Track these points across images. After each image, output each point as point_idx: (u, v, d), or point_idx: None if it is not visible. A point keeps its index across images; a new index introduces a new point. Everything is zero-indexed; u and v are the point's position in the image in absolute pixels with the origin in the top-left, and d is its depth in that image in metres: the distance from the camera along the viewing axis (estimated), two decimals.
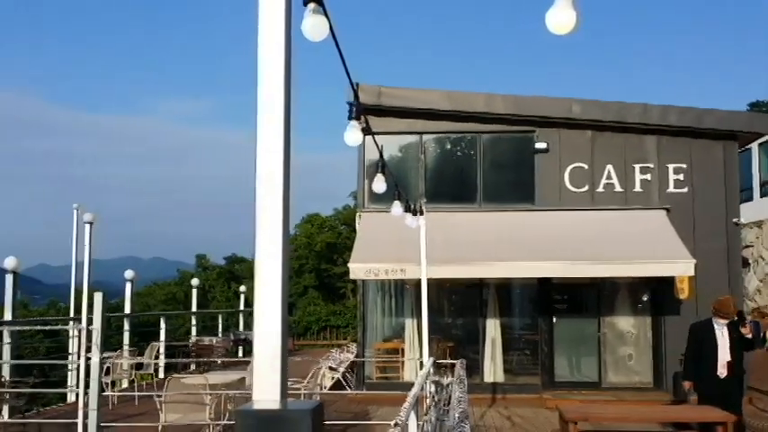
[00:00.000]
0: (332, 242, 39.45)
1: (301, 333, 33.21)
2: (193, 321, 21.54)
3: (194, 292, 21.81)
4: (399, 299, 15.49)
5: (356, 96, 5.95)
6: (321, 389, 12.36)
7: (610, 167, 14.81)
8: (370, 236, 14.31)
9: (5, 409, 9.90)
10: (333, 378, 14.83)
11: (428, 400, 7.82)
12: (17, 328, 12.06)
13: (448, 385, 8.72)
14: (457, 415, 5.27)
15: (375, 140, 8.46)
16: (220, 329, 22.86)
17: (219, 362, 18.03)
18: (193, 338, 19.99)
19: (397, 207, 9.71)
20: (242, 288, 26.32)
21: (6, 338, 11.83)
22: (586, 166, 14.83)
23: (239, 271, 43.48)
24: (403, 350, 14.98)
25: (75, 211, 13.54)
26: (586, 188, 14.80)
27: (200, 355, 17.47)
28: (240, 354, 21.31)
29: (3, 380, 10.46)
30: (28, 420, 9.99)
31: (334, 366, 15.07)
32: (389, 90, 14.75)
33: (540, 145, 14.84)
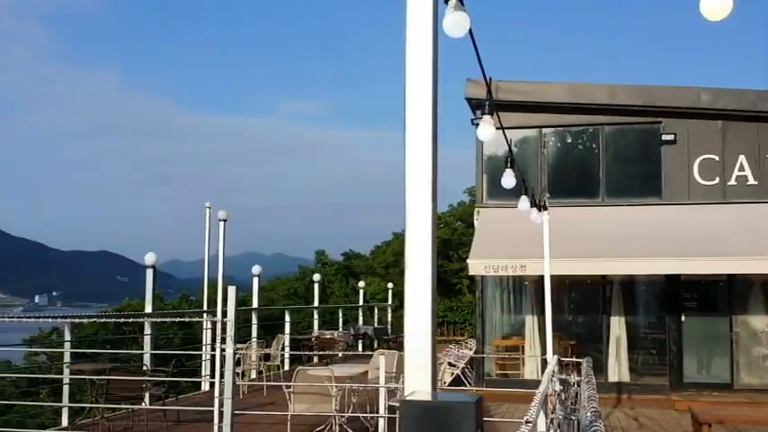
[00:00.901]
0: (447, 238, 39.44)
1: None
2: (315, 315, 22.12)
3: (316, 287, 22.38)
4: (519, 295, 15.32)
5: (489, 92, 5.94)
6: (441, 384, 12.42)
7: (742, 159, 14.05)
8: (489, 232, 14.23)
9: (147, 396, 10.54)
10: (452, 374, 14.87)
11: (553, 399, 7.72)
12: (158, 319, 12.83)
13: (574, 384, 8.57)
14: (589, 414, 5.18)
15: (505, 135, 8.41)
16: (341, 324, 23.36)
17: (341, 355, 18.44)
18: (316, 332, 20.53)
19: (524, 202, 9.60)
20: (361, 284, 26.77)
21: (147, 330, 12.62)
22: (717, 158, 14.13)
23: (356, 267, 44.23)
24: (523, 347, 14.81)
25: (207, 210, 14.22)
26: (717, 181, 14.11)
27: (322, 348, 17.93)
28: (360, 348, 21.71)
29: (145, 368, 11.16)
30: (168, 407, 10.61)
31: (453, 362, 15.10)
32: (507, 84, 14.60)
33: (668, 136, 14.26)
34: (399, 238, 43.17)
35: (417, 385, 2.36)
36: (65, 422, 10.80)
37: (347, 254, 46.12)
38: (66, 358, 11.15)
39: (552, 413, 6.62)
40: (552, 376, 7.42)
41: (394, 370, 10.43)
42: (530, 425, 4.27)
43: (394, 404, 9.93)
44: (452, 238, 40.01)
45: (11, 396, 22.58)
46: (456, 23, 3.88)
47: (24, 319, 12.68)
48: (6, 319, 10.73)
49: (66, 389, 10.83)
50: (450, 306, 36.56)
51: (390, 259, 41.31)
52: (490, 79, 5.81)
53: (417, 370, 2.33)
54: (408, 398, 2.32)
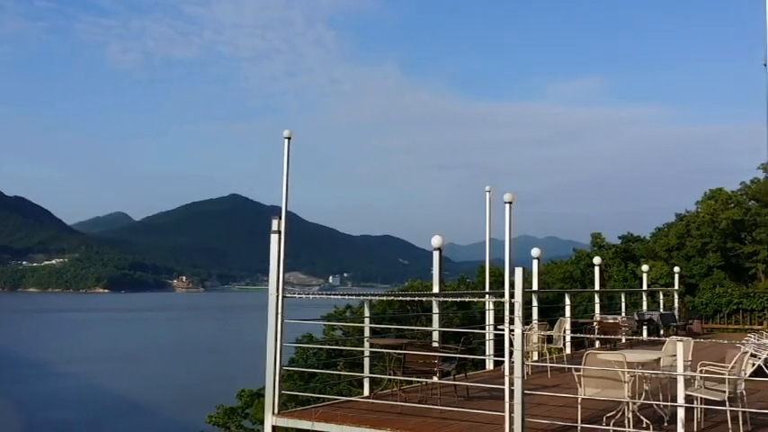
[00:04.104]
0: (738, 219, 35.94)
1: (710, 316, 30.91)
2: (596, 299, 21.52)
3: (596, 270, 21.76)
4: None
5: None
6: (744, 375, 11.37)
7: None
8: None
9: (437, 372, 11.04)
10: (753, 365, 13.53)
11: None
12: (447, 299, 13.35)
13: None
14: None
15: None
16: (623, 308, 22.46)
17: (624, 340, 17.74)
18: (597, 316, 19.97)
19: None
20: (644, 268, 25.47)
21: (435, 309, 13.21)
22: None
23: (635, 250, 42.12)
24: None
25: (486, 194, 14.48)
26: None
27: (605, 332, 17.39)
28: (645, 334, 20.70)
29: (435, 345, 11.71)
30: (458, 383, 11.03)
31: (753, 353, 13.74)
32: None
33: None
34: (684, 220, 40.22)
35: None
36: (366, 391, 11.72)
37: (625, 237, 44.03)
38: (366, 333, 12.09)
39: None
40: None
41: (689, 358, 9.78)
42: None
43: (692, 394, 9.32)
44: (745, 218, 36.34)
45: (313, 366, 25.09)
46: None
47: (333, 297, 13.94)
48: (317, 296, 11.89)
49: (366, 361, 11.73)
50: (745, 292, 33.28)
51: (674, 242, 38.65)
52: None
53: None
54: None
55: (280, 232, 9.90)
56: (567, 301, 18.74)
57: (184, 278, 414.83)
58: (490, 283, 16.61)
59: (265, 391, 10.12)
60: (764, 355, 13.91)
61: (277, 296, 9.93)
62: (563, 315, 18.14)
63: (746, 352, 12.17)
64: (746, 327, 27.01)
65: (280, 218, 9.91)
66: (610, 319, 19.03)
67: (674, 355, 9.48)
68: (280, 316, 9.96)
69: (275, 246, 9.95)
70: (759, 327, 24.60)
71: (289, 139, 9.94)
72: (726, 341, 14.05)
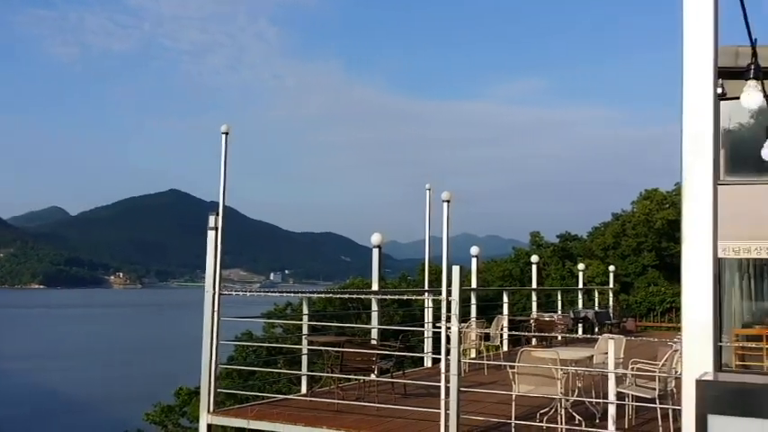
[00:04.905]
0: (673, 219, 37.04)
1: (644, 314, 31.82)
2: (533, 297, 21.87)
3: (533, 268, 22.11)
4: (762, 280, 13.99)
5: (755, 53, 5.44)
6: (675, 373, 11.69)
7: None
8: (728, 211, 13.07)
9: (376, 369, 11.04)
10: None
11: None
12: (385, 297, 13.37)
13: None
14: None
15: None
16: (559, 306, 22.89)
17: (560, 338, 18.07)
18: (534, 314, 20.29)
19: None
20: (580, 266, 26.00)
21: (374, 306, 13.22)
22: None
23: (573, 249, 43.03)
24: (767, 337, 13.53)
25: (427, 192, 14.55)
26: None
27: (540, 330, 17.68)
28: (580, 332, 21.13)
29: (374, 342, 11.71)
30: (396, 380, 11.05)
31: None
32: (749, 50, 13.27)
33: None
34: (620, 219, 41.25)
35: (698, 368, 2.21)
36: (304, 389, 11.65)
37: (563, 236, 44.96)
38: (305, 330, 12.02)
39: None
40: None
41: (621, 356, 10.01)
42: None
43: (623, 391, 9.54)
44: (679, 218, 37.33)
45: (252, 364, 24.82)
46: None
47: (270, 295, 13.82)
48: (256, 294, 11.81)
49: (304, 359, 11.67)
50: (678, 291, 34.29)
51: (610, 241, 39.64)
52: (756, 40, 5.28)
53: (698, 352, 2.17)
54: (704, 378, 2.17)
55: (217, 228, 9.76)
56: (506, 299, 18.99)
57: (122, 274, 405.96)
58: (430, 280, 16.71)
59: (201, 389, 9.99)
60: None
61: (213, 293, 9.80)
62: (501, 313, 18.37)
63: (677, 350, 12.53)
64: (679, 325, 27.79)
65: (217, 214, 9.77)
66: (546, 316, 19.36)
67: (607, 353, 9.68)
68: (216, 314, 9.83)
69: (212, 242, 9.80)
70: None
71: (226, 134, 9.81)
72: (658, 339, 14.44)
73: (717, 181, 2.18)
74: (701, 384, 2.13)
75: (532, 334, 17.43)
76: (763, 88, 5.74)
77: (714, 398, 2.08)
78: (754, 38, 5.18)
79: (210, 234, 9.77)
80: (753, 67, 5.30)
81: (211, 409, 9.80)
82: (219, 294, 9.83)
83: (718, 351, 2.24)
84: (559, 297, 23.40)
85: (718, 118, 2.14)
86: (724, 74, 12.48)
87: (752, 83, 5.37)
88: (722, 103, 13.29)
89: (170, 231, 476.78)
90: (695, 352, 2.19)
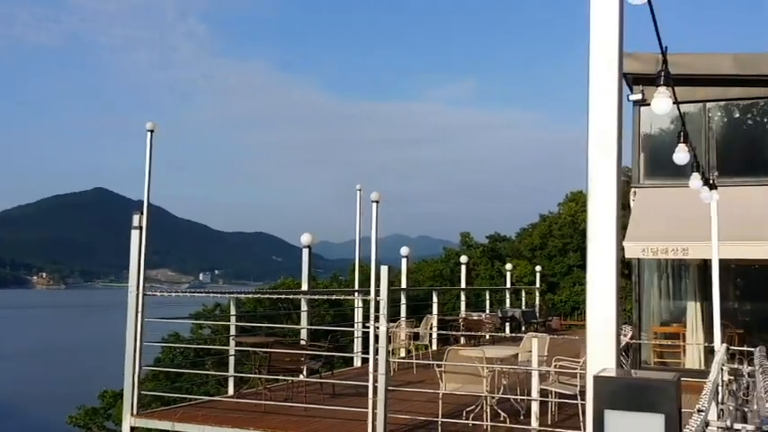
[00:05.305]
0: None
1: (569, 313, 32.65)
2: (462, 297, 22.15)
3: (463, 269, 22.40)
4: (679, 280, 14.56)
5: (665, 61, 5.64)
6: None
7: None
8: (647, 213, 13.58)
9: (304, 369, 10.99)
10: None
11: (722, 389, 7.27)
12: (315, 297, 13.32)
13: (746, 374, 8.02)
14: None
15: (679, 109, 7.98)
16: (487, 306, 23.25)
17: (488, 337, 18.37)
18: (463, 313, 20.56)
19: (695, 180, 9.01)
20: (508, 266, 26.49)
21: (303, 306, 13.15)
22: None
23: (502, 249, 43.81)
24: (684, 335, 14.08)
25: (357, 192, 14.58)
26: None
27: (469, 329, 17.93)
28: (507, 330, 21.52)
29: (302, 343, 11.65)
30: (325, 381, 11.02)
31: None
32: (669, 57, 13.76)
33: None
34: (547, 221, 42.22)
35: (600, 365, 2.28)
36: (231, 391, 11.50)
37: (492, 236, 45.74)
38: (232, 331, 11.87)
39: (722, 404, 6.24)
40: (723, 366, 6.99)
41: (545, 353, 10.24)
42: (702, 414, 4.05)
43: (546, 388, 9.77)
44: None
45: (180, 365, 24.36)
46: None
47: (196, 295, 13.61)
48: (180, 295, 11.60)
49: (231, 360, 11.52)
50: None
51: (537, 242, 40.54)
52: (666, 48, 5.49)
53: (600, 348, 2.24)
54: (601, 374, 2.24)
55: (141, 228, 9.54)
56: (435, 298, 19.17)
57: (45, 274, 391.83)
58: (361, 281, 16.74)
59: (124, 391, 9.77)
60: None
61: (137, 294, 9.59)
62: (431, 312, 18.54)
63: None
64: None
65: (142, 213, 9.56)
66: (475, 316, 19.64)
67: (531, 351, 9.89)
68: (140, 314, 9.62)
69: (136, 242, 9.59)
70: None
71: (152, 132, 9.60)
72: (580, 337, 14.84)
73: (621, 181, 2.26)
74: (597, 380, 2.20)
75: (461, 333, 17.65)
76: (675, 94, 5.97)
77: (610, 393, 2.16)
78: (664, 46, 5.39)
79: (135, 233, 9.56)
80: (663, 74, 5.50)
81: (135, 411, 9.59)
82: (144, 295, 9.63)
83: (620, 348, 2.33)
84: (488, 297, 23.77)
85: (621, 120, 2.21)
86: (645, 80, 12.95)
87: (662, 89, 5.58)
88: (643, 108, 13.81)
89: (95, 230, 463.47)
90: (598, 349, 2.26)
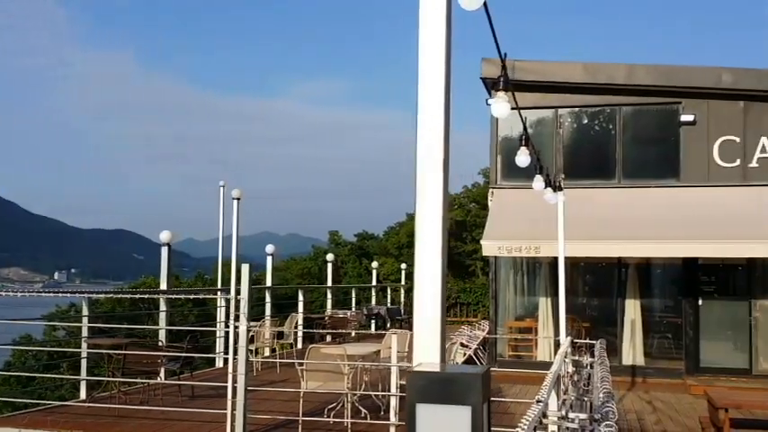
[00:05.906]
0: (461, 220, 39.39)
1: None
2: (329, 295, 22.21)
3: (329, 267, 22.46)
4: (532, 277, 15.28)
5: (504, 67, 5.88)
6: (453, 364, 12.43)
7: (764, 140, 13.86)
8: (503, 213, 14.17)
9: (162, 371, 10.65)
10: (464, 354, 14.88)
11: (566, 380, 7.71)
12: (174, 296, 12.91)
13: (587, 365, 8.54)
14: (601, 395, 5.17)
15: (520, 113, 8.35)
16: (354, 304, 23.44)
17: (353, 334, 18.53)
18: (329, 311, 20.62)
19: (538, 182, 9.52)
20: (374, 264, 26.81)
21: (162, 306, 12.72)
22: (738, 140, 13.95)
23: (369, 247, 44.30)
24: (536, 329, 14.80)
25: (221, 189, 14.28)
26: (738, 163, 13.94)
27: (335, 327, 18.02)
28: (373, 328, 21.80)
29: (160, 344, 11.27)
30: (183, 383, 10.72)
31: (465, 343, 15.12)
32: (523, 64, 14.45)
33: (687, 117, 14.09)
34: (413, 219, 43.06)
35: (425, 358, 2.35)
36: (83, 395, 10.95)
37: (360, 234, 46.18)
38: (84, 333, 11.29)
39: (564, 394, 6.60)
40: (565, 357, 7.40)
41: (406, 349, 10.45)
42: (541, 404, 4.26)
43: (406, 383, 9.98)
44: (467, 219, 39.93)
45: (32, 369, 22.92)
46: None
47: (44, 295, 12.87)
48: (27, 295, 10.90)
49: (83, 363, 10.96)
50: (463, 287, 36.59)
51: (404, 240, 41.30)
52: (505, 55, 5.74)
53: (426, 345, 2.32)
54: (416, 369, 2.31)
55: None
56: (301, 296, 19.11)
57: None
58: (225, 279, 16.41)
59: None
60: (475, 346, 15.39)
61: None
62: (296, 311, 18.47)
63: (455, 342, 13.35)
64: (464, 319, 29.67)
65: None
66: (340, 313, 19.77)
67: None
68: None
69: None
70: (474, 319, 27.08)
71: None
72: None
73: (447, 181, 2.34)
74: (410, 375, 2.28)
75: (326, 331, 17.71)
76: (514, 98, 6.28)
77: (421, 387, 2.24)
78: (503, 52, 5.65)
79: None
80: (501, 79, 5.78)
81: None
82: None
83: (444, 345, 2.41)
84: (354, 294, 23.96)
85: (449, 120, 2.29)
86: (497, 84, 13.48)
87: (500, 94, 5.86)
88: (495, 108, 14.36)
89: None
90: (424, 347, 2.33)
